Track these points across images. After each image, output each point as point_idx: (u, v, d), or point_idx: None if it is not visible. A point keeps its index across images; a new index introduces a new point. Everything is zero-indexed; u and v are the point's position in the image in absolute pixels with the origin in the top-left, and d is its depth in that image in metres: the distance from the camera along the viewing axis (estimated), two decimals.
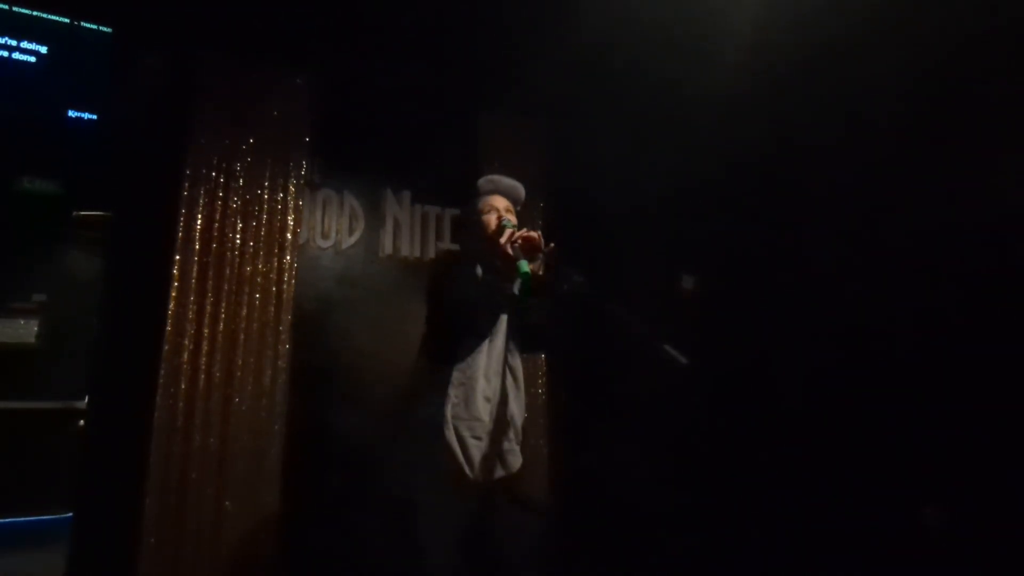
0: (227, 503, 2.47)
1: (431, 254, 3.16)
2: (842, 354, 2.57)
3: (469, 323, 1.77)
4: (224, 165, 2.67)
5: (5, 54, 2.96)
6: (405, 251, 3.11)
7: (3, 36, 2.95)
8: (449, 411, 1.72)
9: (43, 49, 3.02)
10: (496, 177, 2.03)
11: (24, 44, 2.99)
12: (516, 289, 1.77)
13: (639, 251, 3.24)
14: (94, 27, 3.00)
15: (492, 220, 1.90)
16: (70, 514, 2.58)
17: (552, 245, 1.76)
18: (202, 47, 2.70)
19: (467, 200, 2.04)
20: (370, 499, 2.76)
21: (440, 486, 1.71)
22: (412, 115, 3.11)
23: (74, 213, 4.00)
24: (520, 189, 2.03)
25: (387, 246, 3.08)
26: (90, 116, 3.12)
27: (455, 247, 3.19)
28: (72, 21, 3.02)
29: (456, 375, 1.75)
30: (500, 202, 1.96)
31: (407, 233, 3.13)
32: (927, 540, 2.23)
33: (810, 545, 2.50)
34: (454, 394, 1.73)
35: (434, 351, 1.83)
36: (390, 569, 2.67)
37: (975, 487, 2.18)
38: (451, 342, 1.77)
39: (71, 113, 3.10)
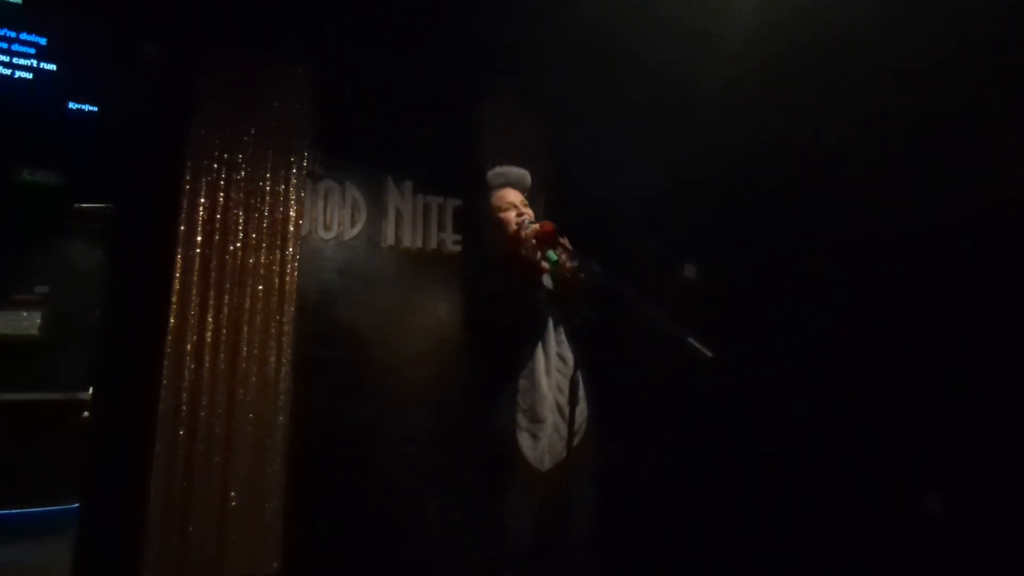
0: (232, 492, 2.49)
1: (433, 244, 3.16)
2: (847, 347, 2.57)
3: (522, 337, 1.85)
4: (226, 156, 2.66)
5: (5, 46, 2.95)
6: (407, 242, 3.10)
7: (3, 28, 2.93)
8: (520, 417, 1.81)
9: (43, 41, 3.01)
10: (504, 169, 2.04)
11: (24, 36, 2.98)
12: (548, 282, 1.85)
13: (643, 238, 3.24)
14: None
15: (511, 217, 1.92)
16: (76, 505, 2.60)
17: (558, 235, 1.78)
18: (203, 38, 2.68)
19: (476, 195, 2.04)
20: (373, 489, 2.78)
21: (512, 479, 1.79)
22: (413, 105, 3.10)
23: (75, 205, 3.99)
24: (527, 177, 2.05)
25: (389, 237, 3.08)
26: (90, 108, 3.11)
27: (459, 236, 3.19)
28: (72, 12, 3.01)
29: (522, 383, 1.84)
30: (514, 196, 1.97)
31: (409, 224, 3.12)
32: (933, 535, 2.24)
33: (815, 541, 2.52)
34: (522, 400, 1.83)
35: (498, 366, 1.88)
36: (391, 558, 2.70)
37: (976, 482, 2.18)
38: (511, 359, 1.85)
39: (71, 105, 3.09)
